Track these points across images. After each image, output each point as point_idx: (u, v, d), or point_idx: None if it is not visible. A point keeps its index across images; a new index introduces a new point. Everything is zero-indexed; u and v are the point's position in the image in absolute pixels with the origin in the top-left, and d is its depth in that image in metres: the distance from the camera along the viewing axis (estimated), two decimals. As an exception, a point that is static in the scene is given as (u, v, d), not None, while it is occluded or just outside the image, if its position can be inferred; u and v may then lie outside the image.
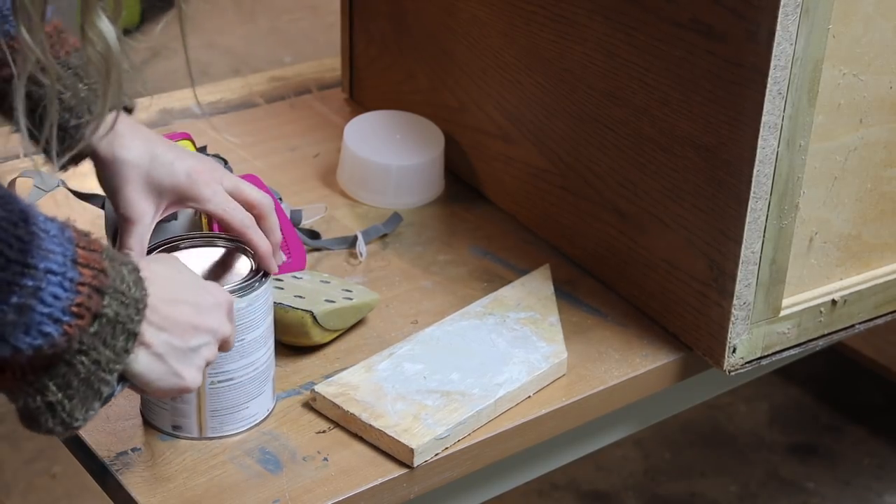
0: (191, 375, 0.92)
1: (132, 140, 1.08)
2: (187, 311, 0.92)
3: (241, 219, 1.09)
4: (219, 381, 1.05)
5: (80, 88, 1.05)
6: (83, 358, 0.85)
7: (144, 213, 1.08)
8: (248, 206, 1.11)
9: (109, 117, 0.95)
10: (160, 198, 1.09)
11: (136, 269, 0.88)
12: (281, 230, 1.23)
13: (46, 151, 0.95)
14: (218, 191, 1.10)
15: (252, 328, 1.04)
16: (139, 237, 1.07)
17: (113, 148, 1.08)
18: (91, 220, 1.31)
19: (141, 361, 0.89)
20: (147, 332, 0.88)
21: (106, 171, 1.10)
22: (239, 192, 1.11)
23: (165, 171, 1.08)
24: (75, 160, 1.08)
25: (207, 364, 0.95)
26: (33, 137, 0.92)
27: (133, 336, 0.87)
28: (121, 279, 0.85)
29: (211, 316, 0.94)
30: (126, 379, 0.90)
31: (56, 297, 0.81)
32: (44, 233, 0.81)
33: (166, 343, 0.90)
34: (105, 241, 0.89)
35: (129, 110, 1.12)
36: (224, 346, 0.97)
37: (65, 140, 1.06)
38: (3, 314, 0.79)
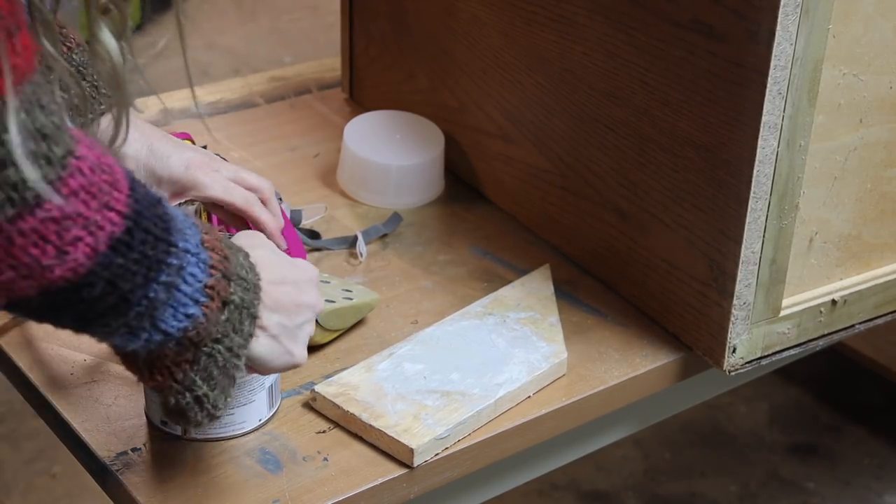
0: (300, 351, 0.94)
1: (130, 134, 1.08)
2: (290, 290, 0.93)
3: (244, 197, 1.09)
4: None
5: (84, 86, 1.05)
6: (219, 346, 0.86)
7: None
8: (250, 190, 1.11)
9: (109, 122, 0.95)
10: (160, 190, 1.09)
11: (247, 255, 0.89)
12: (281, 230, 1.24)
13: None
14: (217, 177, 1.10)
15: None
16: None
17: None
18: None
19: (261, 344, 0.91)
20: (263, 314, 0.90)
21: None
22: (239, 178, 1.12)
23: (163, 164, 1.09)
24: None
25: (308, 339, 0.96)
26: None
27: (254, 319, 0.88)
28: (240, 265, 0.87)
29: (308, 292, 0.96)
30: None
31: (195, 276, 0.82)
32: (175, 213, 0.82)
33: (279, 324, 0.92)
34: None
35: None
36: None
37: None
38: (155, 293, 0.80)
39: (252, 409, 1.07)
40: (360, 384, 1.12)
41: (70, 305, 0.77)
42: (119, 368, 1.14)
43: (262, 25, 3.36)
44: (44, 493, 1.96)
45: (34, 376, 1.14)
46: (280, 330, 0.92)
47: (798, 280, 1.20)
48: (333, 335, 1.19)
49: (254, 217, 1.10)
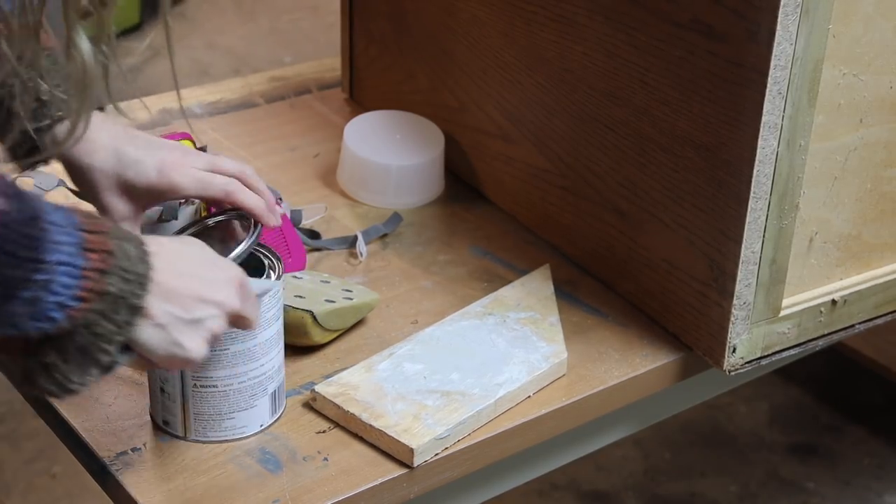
0: (193, 346, 0.93)
1: (95, 142, 1.08)
2: (193, 283, 0.93)
3: (220, 184, 1.09)
4: (201, 386, 1.04)
5: (44, 91, 1.05)
6: (83, 330, 0.87)
7: (125, 215, 1.09)
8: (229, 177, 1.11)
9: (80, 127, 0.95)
10: (137, 199, 1.10)
11: (141, 244, 0.89)
12: (281, 230, 1.24)
13: (12, 152, 0.96)
14: (190, 173, 1.09)
15: (238, 341, 1.03)
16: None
17: (79, 153, 1.08)
18: (91, 220, 1.31)
19: (144, 332, 0.90)
20: (152, 304, 0.90)
21: (76, 178, 1.11)
22: (215, 167, 1.11)
23: (134, 172, 1.09)
24: (40, 161, 1.09)
25: (215, 337, 0.95)
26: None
27: (136, 310, 0.88)
28: (125, 256, 0.87)
29: (219, 290, 0.95)
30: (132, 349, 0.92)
31: (65, 285, 0.84)
32: (52, 225, 0.83)
33: (169, 314, 0.91)
34: (111, 220, 0.90)
35: (100, 108, 1.12)
36: (242, 322, 0.98)
37: (27, 142, 1.06)
38: (15, 307, 0.82)
39: (253, 414, 1.07)
40: (360, 384, 1.12)
41: None
42: (119, 368, 1.14)
43: (262, 25, 3.36)
44: (44, 493, 1.96)
45: (34, 376, 1.14)
46: (169, 320, 0.91)
47: (798, 280, 1.20)
48: (333, 335, 1.19)
49: (237, 203, 1.10)
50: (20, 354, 0.89)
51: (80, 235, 0.85)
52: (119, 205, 1.09)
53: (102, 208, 1.09)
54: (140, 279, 0.88)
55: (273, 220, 1.09)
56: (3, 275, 0.81)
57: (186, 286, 0.93)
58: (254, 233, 1.07)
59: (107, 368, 0.90)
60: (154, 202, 1.11)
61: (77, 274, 0.84)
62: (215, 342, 0.97)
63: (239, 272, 0.98)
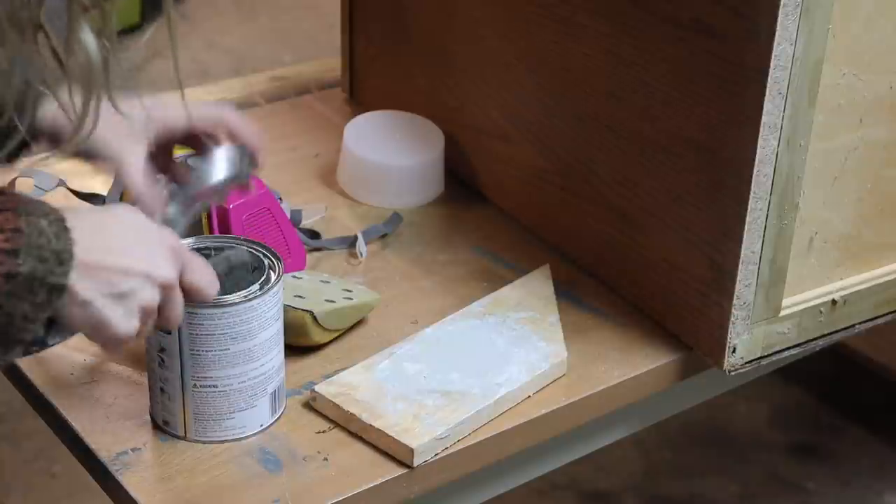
0: (119, 321, 0.89)
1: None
2: (116, 255, 0.89)
3: (213, 113, 1.07)
4: (201, 386, 1.04)
5: (43, 95, 1.03)
6: None
7: (128, 150, 1.05)
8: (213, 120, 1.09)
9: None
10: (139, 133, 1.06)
11: (59, 220, 0.86)
12: (281, 230, 1.24)
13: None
14: (178, 108, 1.07)
15: (238, 341, 1.04)
16: (132, 174, 1.04)
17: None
18: (91, 220, 1.31)
19: (67, 310, 0.87)
20: (76, 281, 0.86)
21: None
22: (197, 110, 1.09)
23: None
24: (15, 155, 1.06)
25: (148, 310, 0.91)
26: None
27: (56, 289, 0.85)
28: (38, 233, 0.84)
29: (144, 258, 0.91)
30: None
31: None
32: None
33: (91, 289, 0.87)
34: (25, 195, 0.86)
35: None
36: (193, 292, 0.94)
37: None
38: None
39: (253, 414, 1.07)
40: (360, 384, 1.12)
41: None
42: (119, 368, 1.14)
43: (262, 25, 3.36)
44: (44, 493, 1.96)
45: (34, 376, 1.14)
46: (93, 296, 0.87)
47: (798, 280, 1.20)
48: (333, 335, 1.19)
49: (233, 129, 1.07)
50: None
51: None
52: (121, 139, 1.05)
53: (99, 147, 1.04)
54: (58, 256, 0.84)
55: (252, 139, 1.06)
56: None
57: (109, 259, 0.88)
58: (244, 160, 1.05)
59: (32, 346, 0.87)
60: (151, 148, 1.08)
61: None
62: (150, 315, 0.92)
63: (169, 238, 0.94)
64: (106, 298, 0.88)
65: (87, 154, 1.06)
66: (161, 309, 0.94)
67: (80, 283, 0.87)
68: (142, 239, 0.92)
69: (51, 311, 0.86)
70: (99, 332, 0.90)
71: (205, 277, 0.96)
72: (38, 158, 1.24)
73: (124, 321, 0.90)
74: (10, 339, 0.85)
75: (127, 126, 1.04)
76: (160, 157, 1.09)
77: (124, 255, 0.89)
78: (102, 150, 1.04)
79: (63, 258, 0.85)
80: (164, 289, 0.92)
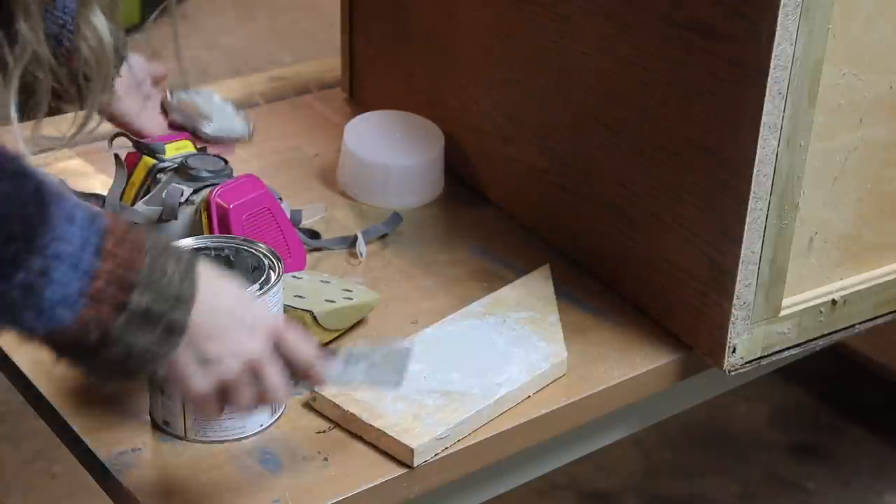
0: (195, 379, 0.90)
1: None
2: (220, 326, 0.90)
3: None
4: None
5: (61, 73, 1.03)
6: (114, 346, 0.84)
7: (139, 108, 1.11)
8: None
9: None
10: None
11: (189, 264, 0.86)
12: (281, 230, 1.24)
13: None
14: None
15: None
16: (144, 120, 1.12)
17: None
18: (91, 220, 1.31)
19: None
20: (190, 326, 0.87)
21: None
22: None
23: None
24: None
25: (224, 385, 0.91)
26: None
27: (172, 329, 0.85)
28: (161, 272, 0.84)
29: (236, 336, 0.91)
30: None
31: (65, 282, 0.80)
32: (65, 218, 0.80)
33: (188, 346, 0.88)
34: (163, 237, 0.87)
35: None
36: (295, 368, 0.94)
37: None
38: (8, 292, 0.79)
39: (253, 414, 1.07)
40: (360, 384, 1.12)
41: None
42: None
43: (262, 25, 3.36)
44: (44, 493, 1.96)
45: (34, 376, 1.14)
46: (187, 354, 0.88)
47: (798, 280, 1.20)
48: (333, 335, 1.19)
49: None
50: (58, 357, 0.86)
51: (98, 237, 0.82)
52: None
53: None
54: (177, 299, 0.85)
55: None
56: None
57: (214, 325, 0.89)
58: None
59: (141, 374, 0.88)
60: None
61: (84, 274, 0.81)
62: (227, 392, 0.92)
63: (271, 321, 0.94)
64: (196, 358, 0.89)
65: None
66: (258, 384, 0.93)
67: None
68: (241, 318, 0.91)
69: (170, 350, 0.86)
70: (176, 383, 0.90)
71: (303, 351, 0.95)
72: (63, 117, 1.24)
73: (199, 380, 0.90)
74: (127, 372, 0.86)
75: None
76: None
77: (225, 328, 0.90)
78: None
79: (183, 301, 0.85)
80: (252, 366, 0.92)
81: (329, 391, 1.10)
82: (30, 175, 0.81)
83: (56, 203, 0.81)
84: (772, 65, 1.06)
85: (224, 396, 0.92)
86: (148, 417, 1.09)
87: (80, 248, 0.80)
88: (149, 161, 1.23)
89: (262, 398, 0.93)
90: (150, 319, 0.84)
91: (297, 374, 0.95)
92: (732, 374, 1.19)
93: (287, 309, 1.13)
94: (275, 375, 0.93)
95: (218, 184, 1.22)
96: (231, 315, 0.90)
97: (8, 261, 0.78)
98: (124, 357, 0.84)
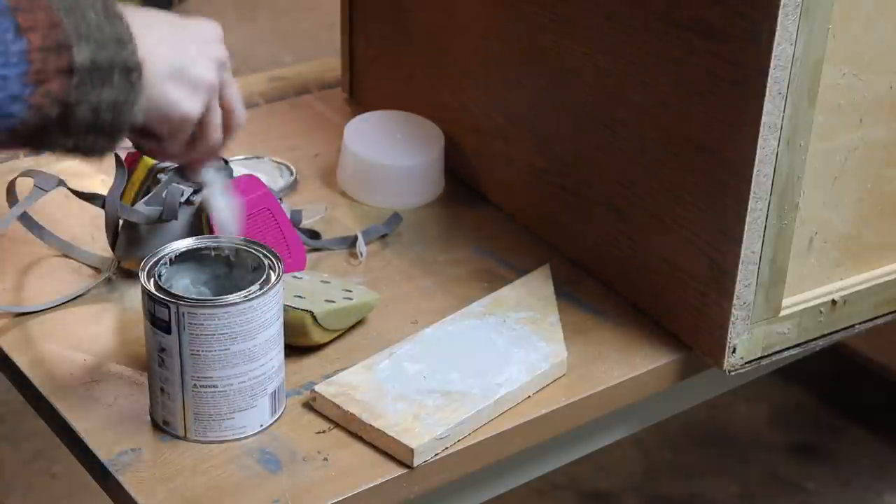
0: (186, 100, 0.89)
1: None
2: (173, 38, 0.89)
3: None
4: (201, 386, 1.04)
5: None
6: (78, 109, 0.82)
7: None
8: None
9: None
10: None
11: (105, 8, 0.84)
12: (281, 230, 1.24)
13: None
14: None
15: (238, 341, 1.03)
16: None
17: None
18: (91, 220, 1.31)
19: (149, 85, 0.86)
20: (145, 58, 0.85)
21: None
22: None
23: None
24: None
25: (209, 86, 0.91)
26: None
27: (129, 69, 0.83)
28: (86, 22, 0.82)
29: (197, 45, 0.91)
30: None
31: (3, 77, 0.78)
32: None
33: (155, 69, 0.86)
34: None
35: None
36: (226, 113, 0.94)
37: None
38: None
39: (253, 414, 1.07)
40: (360, 384, 1.12)
41: None
42: (119, 368, 1.14)
43: (262, 25, 3.36)
44: (44, 493, 1.96)
45: (34, 376, 1.14)
46: (158, 75, 0.87)
47: (798, 280, 1.20)
48: (333, 335, 1.19)
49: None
50: (31, 143, 0.84)
51: (9, 19, 0.78)
52: None
53: None
54: (117, 39, 0.83)
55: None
56: None
57: (167, 42, 0.88)
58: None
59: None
60: None
61: (18, 60, 0.78)
62: (212, 93, 0.91)
63: (214, 24, 0.94)
64: (169, 78, 0.87)
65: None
66: (207, 113, 0.93)
67: (153, 56, 0.86)
68: (185, 30, 0.91)
69: (138, 94, 0.84)
70: (167, 116, 0.88)
71: (238, 97, 0.95)
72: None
73: (188, 102, 0.89)
74: (109, 128, 0.84)
75: None
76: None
77: (181, 40, 0.89)
78: None
79: (123, 40, 0.83)
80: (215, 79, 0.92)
81: (329, 391, 1.11)
82: None
83: None
84: (772, 65, 1.06)
85: (208, 115, 0.92)
86: (148, 417, 1.09)
87: (1, 38, 0.78)
88: (149, 161, 1.23)
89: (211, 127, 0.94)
90: (102, 70, 0.82)
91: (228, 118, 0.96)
92: (732, 374, 1.19)
93: (287, 309, 1.13)
94: (229, 96, 0.95)
95: (218, 184, 1.22)
96: (175, 29, 0.89)
97: None
98: (94, 119, 0.82)
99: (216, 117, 0.95)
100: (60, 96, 0.80)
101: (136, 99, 0.84)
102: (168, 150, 0.95)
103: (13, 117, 0.79)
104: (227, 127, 0.98)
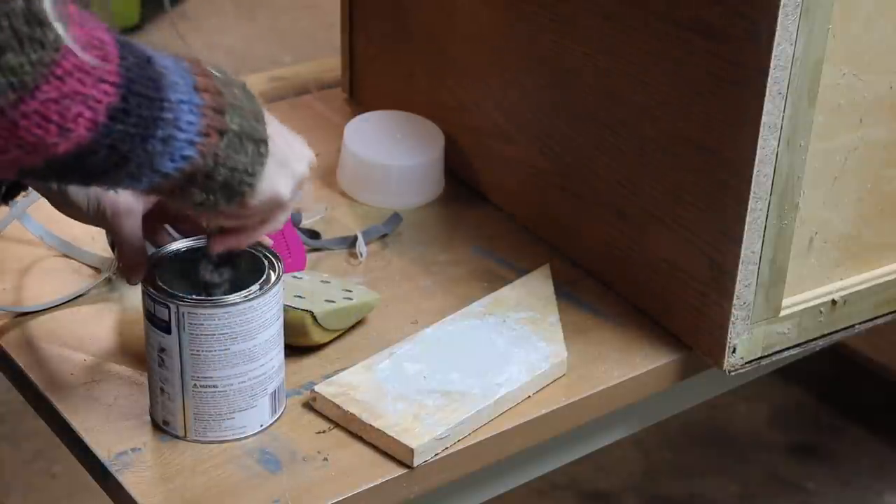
0: (287, 186, 0.97)
1: None
2: (283, 129, 0.99)
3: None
4: (201, 386, 1.04)
5: None
6: (221, 168, 0.90)
7: (132, 202, 1.09)
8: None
9: None
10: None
11: (243, 85, 0.94)
12: (281, 230, 1.24)
13: None
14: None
15: (238, 341, 1.03)
16: (132, 227, 1.09)
17: None
18: (91, 220, 1.31)
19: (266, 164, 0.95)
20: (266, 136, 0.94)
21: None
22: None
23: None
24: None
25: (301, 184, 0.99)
26: None
27: (260, 142, 0.93)
28: (234, 96, 0.91)
29: (300, 149, 1.00)
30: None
31: (190, 122, 0.87)
32: (164, 68, 0.87)
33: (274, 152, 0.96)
34: (212, 68, 0.94)
35: None
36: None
37: None
38: (153, 147, 0.86)
39: (253, 414, 1.07)
40: (360, 384, 1.12)
41: (75, 170, 0.85)
42: (119, 368, 1.14)
43: (262, 25, 3.36)
44: (44, 493, 1.96)
45: (34, 376, 1.14)
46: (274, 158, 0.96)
47: (798, 280, 1.20)
48: (333, 335, 1.19)
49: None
50: (172, 200, 0.93)
51: (191, 77, 0.88)
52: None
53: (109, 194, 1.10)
54: (255, 114, 0.92)
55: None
56: (141, 115, 0.84)
57: (281, 133, 0.97)
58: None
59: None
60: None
61: (197, 111, 0.88)
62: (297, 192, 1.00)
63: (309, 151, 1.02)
64: (277, 163, 0.96)
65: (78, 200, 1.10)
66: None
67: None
68: (295, 140, 1.01)
69: (262, 163, 0.93)
70: (268, 195, 0.96)
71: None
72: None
73: (285, 186, 0.97)
74: (233, 191, 0.93)
75: None
76: (150, 221, 1.12)
77: (289, 139, 0.99)
78: (99, 196, 1.09)
79: (258, 116, 0.93)
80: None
81: (329, 391, 1.11)
82: (132, 42, 0.87)
83: (154, 58, 0.87)
84: (772, 65, 1.06)
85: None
86: (148, 417, 1.09)
87: (187, 91, 0.88)
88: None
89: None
90: (243, 138, 0.91)
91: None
92: (732, 374, 1.19)
93: (287, 309, 1.13)
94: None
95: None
96: (285, 130, 0.99)
97: (152, 119, 0.85)
98: (228, 179, 0.91)
99: (289, 212, 1.03)
100: (216, 151, 0.90)
101: (261, 169, 0.94)
102: (240, 224, 1.01)
103: (187, 160, 0.88)
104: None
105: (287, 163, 0.97)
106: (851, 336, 1.29)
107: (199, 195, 0.91)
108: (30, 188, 1.13)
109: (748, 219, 1.12)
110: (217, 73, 0.92)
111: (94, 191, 1.08)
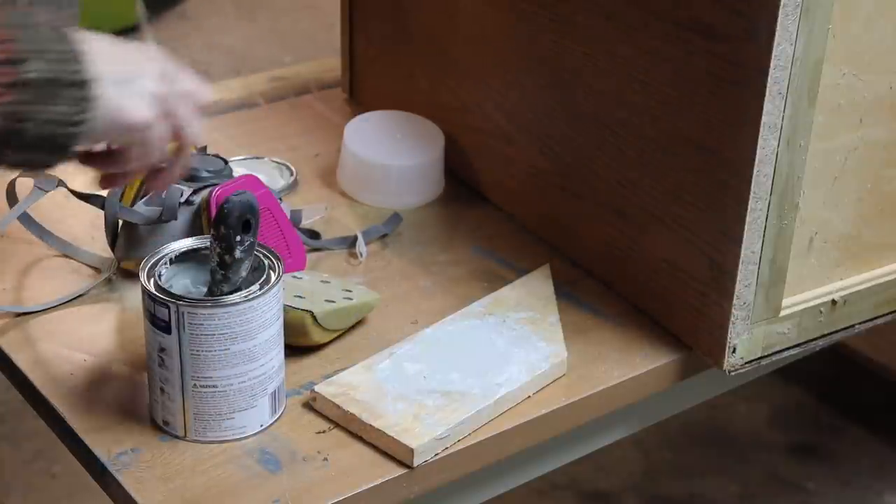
0: (136, 106, 0.90)
1: None
2: (119, 54, 0.91)
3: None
4: (201, 386, 1.04)
5: None
6: (28, 124, 0.83)
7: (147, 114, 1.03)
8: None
9: None
10: None
11: (56, 28, 0.86)
12: (281, 230, 1.24)
13: None
14: None
15: (238, 341, 1.03)
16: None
17: None
18: (91, 221, 1.31)
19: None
20: (97, 72, 0.87)
21: None
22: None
23: None
24: None
25: (160, 96, 0.92)
26: None
27: (80, 84, 0.85)
28: (38, 41, 0.83)
29: (140, 58, 0.92)
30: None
31: None
32: None
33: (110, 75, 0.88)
34: (14, 9, 0.87)
35: None
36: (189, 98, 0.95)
37: None
38: None
39: (253, 414, 1.07)
40: (360, 384, 1.12)
41: None
42: (119, 368, 1.15)
43: (262, 25, 3.36)
44: (44, 493, 1.97)
45: (34, 376, 1.14)
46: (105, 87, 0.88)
47: (798, 280, 1.20)
48: (333, 335, 1.19)
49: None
50: None
51: None
52: None
53: None
54: (68, 55, 0.84)
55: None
56: None
57: (115, 53, 0.89)
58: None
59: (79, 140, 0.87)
60: None
61: None
62: (163, 104, 0.92)
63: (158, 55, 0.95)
64: (118, 90, 0.88)
65: None
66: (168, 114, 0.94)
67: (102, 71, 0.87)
68: (136, 51, 0.93)
69: (90, 108, 0.85)
70: (116, 125, 0.89)
71: (193, 81, 0.96)
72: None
73: (139, 107, 0.90)
74: (55, 145, 0.85)
75: None
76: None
77: (127, 57, 0.91)
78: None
79: (75, 55, 0.85)
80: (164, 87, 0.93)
81: (329, 391, 1.11)
82: None
83: None
84: (772, 65, 1.06)
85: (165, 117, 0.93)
86: (148, 417, 1.09)
87: None
88: (149, 161, 1.23)
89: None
90: (52, 86, 0.83)
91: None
92: (732, 374, 1.19)
93: (287, 309, 1.13)
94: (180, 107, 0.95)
95: (218, 184, 1.22)
96: (121, 48, 0.91)
97: None
98: (46, 133, 0.84)
99: (161, 128, 0.95)
100: (11, 110, 0.81)
101: (87, 113, 0.86)
102: (120, 165, 0.95)
103: None
104: (179, 140, 0.98)
105: (129, 82, 0.89)
106: (851, 336, 1.29)
107: (14, 156, 0.84)
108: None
109: (748, 219, 1.12)
110: (14, 12, 0.85)
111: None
